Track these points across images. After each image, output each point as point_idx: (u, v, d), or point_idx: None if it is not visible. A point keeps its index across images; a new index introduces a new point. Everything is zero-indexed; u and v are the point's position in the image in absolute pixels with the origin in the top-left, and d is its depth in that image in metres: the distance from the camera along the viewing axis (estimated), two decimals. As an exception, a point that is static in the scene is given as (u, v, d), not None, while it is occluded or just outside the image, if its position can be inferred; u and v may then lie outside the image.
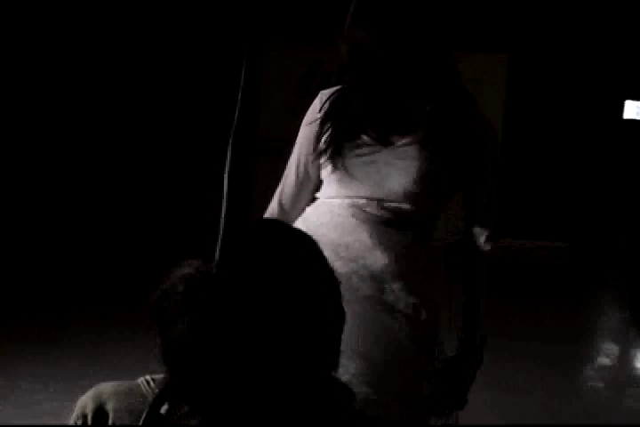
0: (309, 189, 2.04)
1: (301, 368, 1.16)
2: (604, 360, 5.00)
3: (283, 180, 2.08)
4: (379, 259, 1.89)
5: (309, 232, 1.30)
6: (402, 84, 1.87)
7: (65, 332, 4.73)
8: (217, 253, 1.14)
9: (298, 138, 2.06)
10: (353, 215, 1.91)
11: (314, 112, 2.01)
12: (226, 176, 1.24)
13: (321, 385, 1.21)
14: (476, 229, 1.97)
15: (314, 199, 2.03)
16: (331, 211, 1.94)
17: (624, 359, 5.10)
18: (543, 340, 5.10)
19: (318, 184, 2.03)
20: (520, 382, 4.35)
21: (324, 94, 2.01)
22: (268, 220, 1.82)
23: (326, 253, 1.27)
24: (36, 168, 6.94)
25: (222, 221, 1.18)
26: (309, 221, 1.95)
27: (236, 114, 1.27)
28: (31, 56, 6.71)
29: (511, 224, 8.09)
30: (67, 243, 6.51)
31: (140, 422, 1.23)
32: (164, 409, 1.20)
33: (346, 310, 1.25)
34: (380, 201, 1.91)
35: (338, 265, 1.80)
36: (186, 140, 7.52)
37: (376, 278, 1.88)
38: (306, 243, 1.26)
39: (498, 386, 4.26)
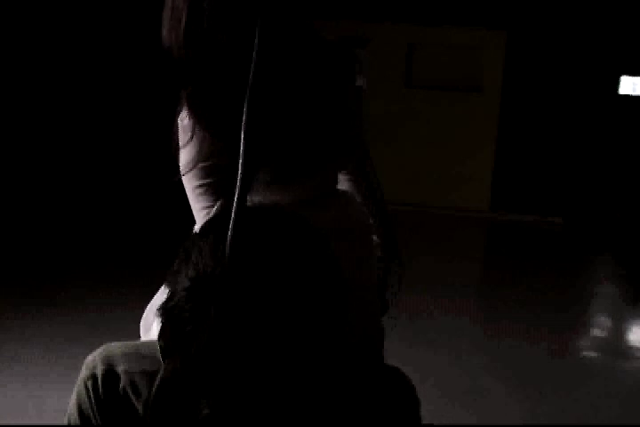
0: None
1: (314, 359, 1.15)
2: (597, 331, 5.08)
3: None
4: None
5: None
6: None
7: (66, 294, 4.79)
8: (227, 249, 1.11)
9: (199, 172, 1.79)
10: None
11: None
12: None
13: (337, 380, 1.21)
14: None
15: None
16: None
17: (618, 331, 5.17)
18: (536, 309, 5.16)
19: None
20: (514, 349, 4.43)
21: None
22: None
23: None
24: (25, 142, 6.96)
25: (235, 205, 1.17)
26: None
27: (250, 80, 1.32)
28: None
29: (505, 198, 8.15)
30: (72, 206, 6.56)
31: (154, 387, 1.23)
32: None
33: None
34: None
35: None
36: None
37: None
38: (313, 235, 1.24)
39: (493, 352, 4.35)
